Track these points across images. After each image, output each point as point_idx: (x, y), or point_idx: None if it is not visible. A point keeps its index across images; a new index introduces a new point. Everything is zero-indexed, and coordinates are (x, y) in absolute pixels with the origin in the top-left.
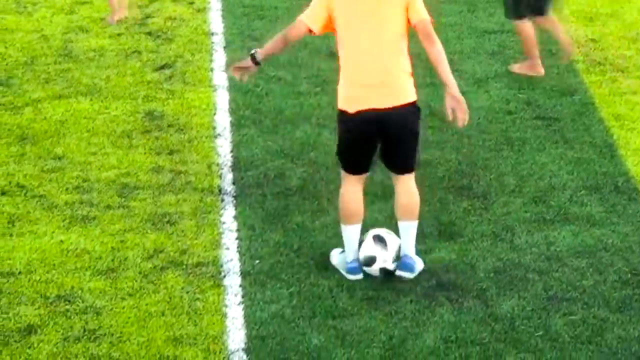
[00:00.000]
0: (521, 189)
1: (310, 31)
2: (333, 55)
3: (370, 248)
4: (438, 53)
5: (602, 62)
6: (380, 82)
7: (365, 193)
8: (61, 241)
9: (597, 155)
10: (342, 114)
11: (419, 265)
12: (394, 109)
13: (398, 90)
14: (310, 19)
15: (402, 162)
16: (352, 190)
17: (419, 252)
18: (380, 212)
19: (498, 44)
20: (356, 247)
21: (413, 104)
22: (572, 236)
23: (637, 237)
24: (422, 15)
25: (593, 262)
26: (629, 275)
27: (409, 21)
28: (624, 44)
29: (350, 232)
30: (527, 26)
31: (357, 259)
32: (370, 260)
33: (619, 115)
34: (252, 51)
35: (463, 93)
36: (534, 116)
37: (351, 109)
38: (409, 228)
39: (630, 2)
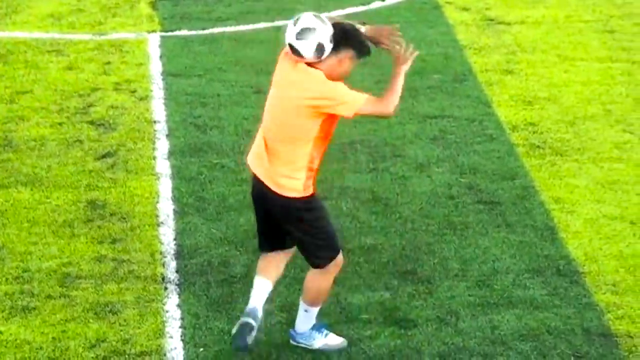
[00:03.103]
0: (465, 273)
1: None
2: None
3: (310, 20)
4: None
5: (542, 145)
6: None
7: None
8: (0, 332)
9: (538, 239)
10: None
11: (312, 341)
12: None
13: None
14: None
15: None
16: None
17: (363, 338)
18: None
19: (439, 129)
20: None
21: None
22: (516, 319)
23: (579, 319)
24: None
25: (537, 345)
26: (572, 358)
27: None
28: (562, 128)
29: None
30: None
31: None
32: (309, 32)
33: (559, 199)
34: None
35: (405, 178)
36: (476, 200)
37: None
38: (303, 310)
39: (567, 86)
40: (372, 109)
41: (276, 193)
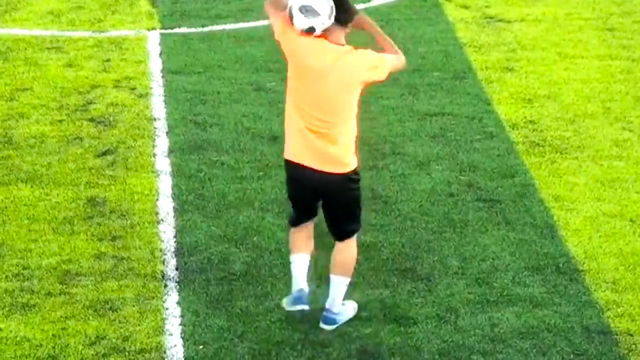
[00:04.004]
0: (464, 271)
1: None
2: (275, 140)
3: (302, 21)
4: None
5: (541, 143)
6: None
7: None
8: (0, 329)
9: (538, 237)
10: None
11: (345, 314)
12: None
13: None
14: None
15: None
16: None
17: (362, 335)
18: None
19: (439, 127)
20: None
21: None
22: (516, 317)
23: (579, 317)
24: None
25: (536, 343)
26: (572, 355)
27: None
28: (562, 125)
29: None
30: None
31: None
32: (309, 30)
33: (559, 197)
34: None
35: (405, 176)
36: (476, 198)
37: None
38: (339, 283)
39: (567, 84)
40: (396, 63)
41: (332, 173)
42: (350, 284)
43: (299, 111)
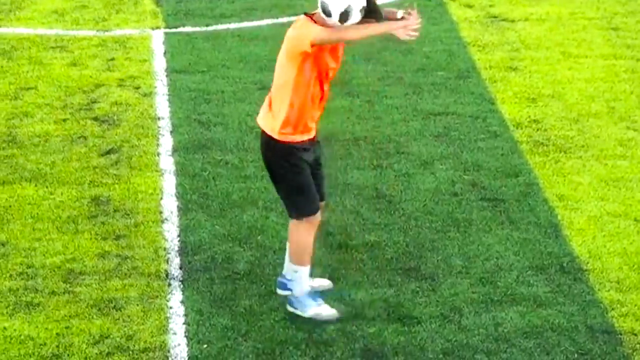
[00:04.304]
0: (468, 270)
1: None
2: None
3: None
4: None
5: (545, 142)
6: None
7: None
8: (4, 328)
9: (542, 236)
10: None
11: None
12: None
13: None
14: None
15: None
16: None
17: (366, 334)
18: None
19: (443, 126)
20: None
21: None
22: (520, 317)
23: (583, 317)
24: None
25: (540, 342)
26: (576, 355)
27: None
28: (566, 125)
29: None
30: None
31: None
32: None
33: (563, 196)
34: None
35: (409, 175)
36: (480, 197)
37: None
38: (291, 266)
39: (571, 83)
40: (325, 36)
41: (264, 132)
42: (355, 283)
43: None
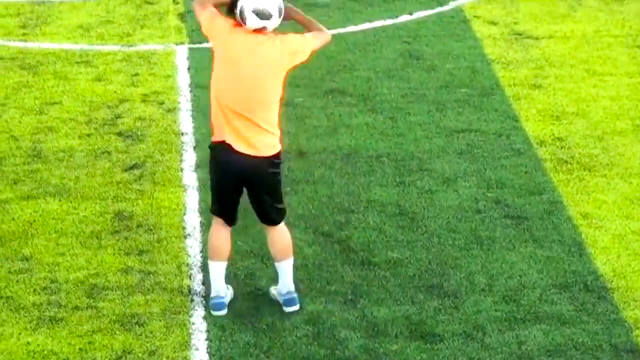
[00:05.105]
0: (491, 288)
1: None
2: (302, 155)
3: (255, 22)
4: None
5: (569, 160)
6: None
7: None
8: (28, 343)
9: (566, 254)
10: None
11: None
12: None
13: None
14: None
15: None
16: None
17: (389, 352)
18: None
19: (466, 143)
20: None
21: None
22: (543, 335)
23: (607, 335)
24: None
25: None
26: None
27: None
28: (590, 143)
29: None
30: None
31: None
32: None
33: (587, 214)
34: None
35: (432, 192)
36: (503, 215)
37: None
38: (289, 265)
39: (595, 101)
40: (317, 42)
41: (263, 157)
42: (377, 300)
43: (230, 100)
